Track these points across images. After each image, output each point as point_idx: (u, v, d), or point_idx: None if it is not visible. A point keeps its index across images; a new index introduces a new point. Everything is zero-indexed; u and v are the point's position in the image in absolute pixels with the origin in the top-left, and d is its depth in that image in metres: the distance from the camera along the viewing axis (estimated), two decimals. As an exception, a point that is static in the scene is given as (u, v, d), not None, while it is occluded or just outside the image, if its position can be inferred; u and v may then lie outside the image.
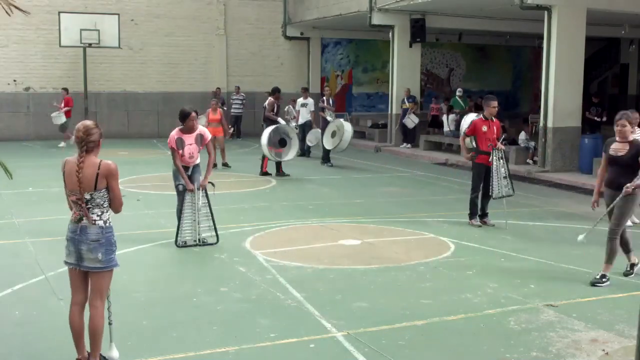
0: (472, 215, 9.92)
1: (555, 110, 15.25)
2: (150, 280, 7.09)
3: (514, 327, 5.78)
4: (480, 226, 9.79)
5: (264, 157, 14.64)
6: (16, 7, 4.63)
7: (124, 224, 9.42)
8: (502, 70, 29.22)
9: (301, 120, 18.12)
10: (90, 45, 21.18)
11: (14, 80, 21.63)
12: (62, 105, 20.10)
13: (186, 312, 6.10)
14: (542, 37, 15.70)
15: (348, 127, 16.34)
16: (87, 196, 4.64)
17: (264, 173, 14.66)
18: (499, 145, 9.66)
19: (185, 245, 8.35)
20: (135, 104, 22.95)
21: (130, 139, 21.97)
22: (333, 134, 16.47)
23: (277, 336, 5.50)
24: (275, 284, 6.91)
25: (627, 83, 29.18)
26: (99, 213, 4.70)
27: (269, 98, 15.75)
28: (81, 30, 20.84)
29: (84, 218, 4.66)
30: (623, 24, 18.35)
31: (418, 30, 19.96)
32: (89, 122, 4.78)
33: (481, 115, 9.97)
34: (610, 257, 7.06)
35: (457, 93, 21.15)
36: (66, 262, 4.78)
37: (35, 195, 11.90)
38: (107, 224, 4.74)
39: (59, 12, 20.99)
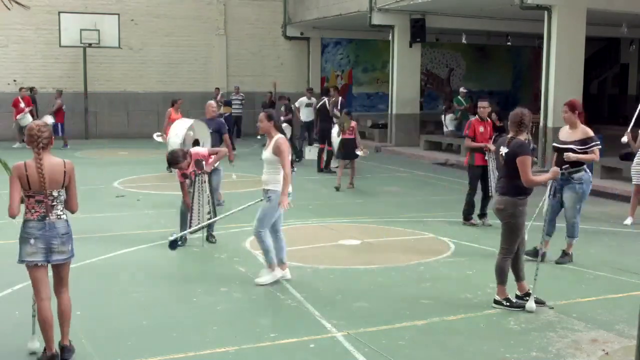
0: (468, 216, 9.94)
1: (555, 110, 15.24)
2: (150, 280, 7.09)
3: (514, 327, 5.79)
4: (474, 225, 9.80)
5: (320, 155, 15.71)
6: (16, 2, 4.62)
7: (124, 224, 9.44)
8: (502, 70, 29.23)
9: (305, 120, 18.20)
10: (90, 45, 21.19)
11: (14, 80, 21.62)
12: (25, 106, 19.76)
13: (186, 312, 6.10)
14: (542, 37, 15.71)
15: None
16: (55, 193, 4.85)
17: (322, 169, 15.68)
18: (489, 146, 9.64)
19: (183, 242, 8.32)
20: (135, 104, 22.95)
21: (130, 139, 21.95)
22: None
23: (277, 336, 5.50)
24: (275, 284, 6.91)
25: (627, 83, 29.19)
26: (61, 209, 4.94)
27: (333, 98, 16.77)
28: (81, 30, 20.86)
29: (49, 215, 4.84)
30: (623, 24, 18.35)
31: (418, 30, 19.95)
32: (38, 121, 5.02)
33: (477, 117, 10.02)
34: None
35: (461, 90, 21.17)
36: (30, 262, 4.88)
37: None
38: (67, 218, 5.01)
39: (59, 12, 21.00)
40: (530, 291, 6.30)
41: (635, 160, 10.22)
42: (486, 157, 9.68)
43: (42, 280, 4.94)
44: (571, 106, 7.80)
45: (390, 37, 20.69)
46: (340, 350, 5.26)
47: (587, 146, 7.67)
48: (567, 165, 7.51)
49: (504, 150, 6.17)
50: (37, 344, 5.13)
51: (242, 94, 23.38)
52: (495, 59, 28.91)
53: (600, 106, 29.10)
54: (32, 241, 4.84)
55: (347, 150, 13.33)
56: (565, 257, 7.83)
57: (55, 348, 4.97)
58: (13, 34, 21.46)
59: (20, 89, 20.32)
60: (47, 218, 4.85)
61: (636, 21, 19.31)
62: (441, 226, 9.79)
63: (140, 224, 9.68)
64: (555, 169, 6.41)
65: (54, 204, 4.86)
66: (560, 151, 7.75)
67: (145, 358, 5.04)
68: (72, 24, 20.84)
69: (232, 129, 23.31)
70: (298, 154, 17.80)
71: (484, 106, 9.90)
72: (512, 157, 6.09)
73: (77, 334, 5.50)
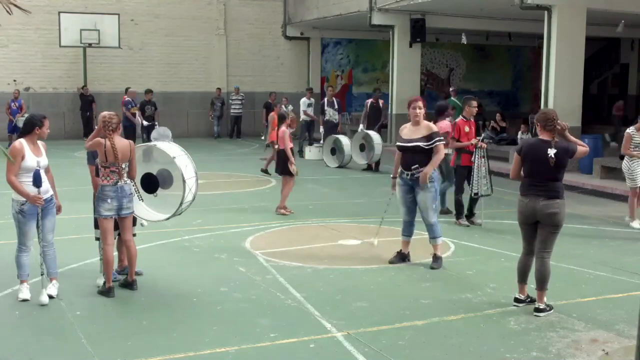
0: (458, 215, 9.94)
1: (555, 110, 15.22)
2: (150, 280, 7.09)
3: (514, 327, 5.78)
4: (468, 226, 9.81)
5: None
6: (16, 6, 4.62)
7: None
8: (502, 70, 29.23)
9: (305, 120, 18.39)
10: (90, 45, 21.20)
11: (14, 80, 21.63)
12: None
13: (186, 312, 6.10)
14: (542, 37, 15.71)
15: (377, 139, 15.63)
16: (123, 165, 6.42)
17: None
18: (481, 143, 9.64)
19: None
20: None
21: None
22: (362, 147, 16.20)
23: (277, 336, 5.50)
24: (275, 284, 6.91)
25: (627, 83, 29.19)
26: (126, 176, 6.50)
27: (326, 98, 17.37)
28: (81, 30, 20.87)
29: (119, 180, 6.38)
30: (621, 22, 18.29)
31: (418, 30, 19.96)
32: (109, 112, 6.62)
33: (461, 117, 9.98)
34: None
35: (451, 90, 21.19)
36: (105, 216, 6.39)
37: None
38: (129, 183, 6.59)
39: (59, 12, 21.01)
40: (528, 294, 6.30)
41: (624, 163, 10.10)
42: (473, 157, 9.62)
43: (110, 230, 6.47)
44: (424, 102, 7.65)
45: (390, 37, 20.70)
46: (340, 350, 5.26)
47: (432, 142, 7.45)
48: (416, 165, 7.41)
49: (552, 151, 6.00)
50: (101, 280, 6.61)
51: (242, 94, 23.41)
52: (495, 59, 28.91)
53: (600, 106, 29.10)
54: (109, 200, 6.36)
55: (281, 164, 10.72)
56: (438, 260, 7.61)
57: (113, 283, 6.48)
58: (13, 34, 21.44)
59: (127, 89, 20.96)
60: (118, 183, 6.38)
61: (636, 21, 19.30)
62: (441, 226, 9.77)
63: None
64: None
65: (122, 173, 6.40)
66: (406, 150, 7.49)
67: (145, 358, 5.04)
68: (72, 24, 20.84)
69: (232, 129, 23.44)
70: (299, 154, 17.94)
71: (475, 106, 9.90)
72: (566, 158, 6.04)
73: (77, 334, 5.51)
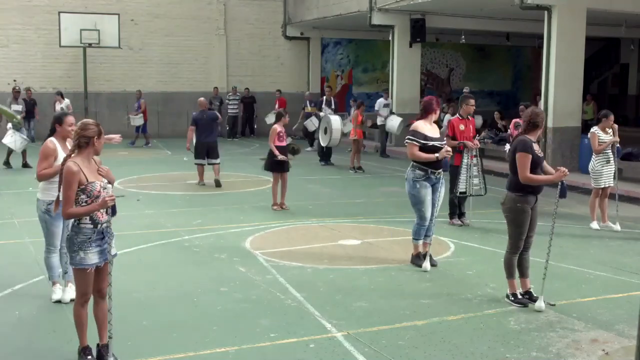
0: (452, 215, 9.96)
1: (555, 110, 15.25)
2: (150, 280, 7.09)
3: (514, 327, 5.78)
4: (460, 225, 9.84)
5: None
6: None
7: (124, 224, 9.43)
8: (502, 70, 29.23)
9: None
10: (90, 45, 21.19)
11: (14, 80, 21.62)
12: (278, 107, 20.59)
13: (186, 312, 6.10)
14: (542, 37, 15.71)
15: (335, 122, 16.34)
16: None
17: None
18: (469, 143, 9.63)
19: None
20: (135, 103, 22.96)
21: (131, 139, 21.95)
22: (325, 131, 16.63)
23: (277, 336, 5.50)
24: (275, 284, 6.91)
25: (627, 83, 29.18)
26: None
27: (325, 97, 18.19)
28: (81, 30, 20.87)
29: None
30: (622, 24, 18.32)
31: (418, 30, 19.96)
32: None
33: (457, 115, 9.96)
34: None
35: (464, 91, 21.17)
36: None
37: (35, 195, 11.87)
38: None
39: (59, 12, 21.00)
40: (531, 290, 6.31)
41: (590, 163, 10.00)
42: (463, 156, 9.61)
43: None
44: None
45: (390, 37, 20.70)
46: (340, 350, 5.26)
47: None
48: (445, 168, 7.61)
49: (507, 147, 6.23)
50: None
51: (239, 94, 23.44)
52: (495, 59, 28.90)
53: (600, 106, 29.12)
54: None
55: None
56: (432, 258, 7.66)
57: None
58: (13, 34, 21.46)
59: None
60: None
61: (636, 21, 19.30)
62: (441, 226, 9.76)
63: (140, 224, 9.67)
64: (564, 170, 6.23)
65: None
66: (437, 149, 7.40)
67: (145, 358, 5.04)
68: (72, 24, 20.84)
69: (230, 129, 23.42)
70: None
71: (472, 104, 9.78)
72: (513, 153, 6.21)
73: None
